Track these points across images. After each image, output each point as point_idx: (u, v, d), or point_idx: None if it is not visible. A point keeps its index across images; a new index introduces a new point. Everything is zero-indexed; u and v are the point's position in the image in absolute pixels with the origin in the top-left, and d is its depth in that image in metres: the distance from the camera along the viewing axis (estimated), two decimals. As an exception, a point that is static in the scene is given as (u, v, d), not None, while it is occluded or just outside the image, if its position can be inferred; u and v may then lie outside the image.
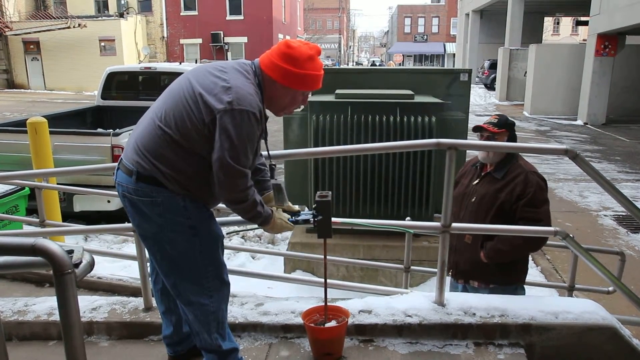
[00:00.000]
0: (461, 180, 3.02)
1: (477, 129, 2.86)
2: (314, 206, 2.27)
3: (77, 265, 1.43)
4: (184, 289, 2.13)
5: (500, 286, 2.89)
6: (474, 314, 2.55)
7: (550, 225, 2.75)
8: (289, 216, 2.27)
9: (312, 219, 2.26)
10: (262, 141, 2.14)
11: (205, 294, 2.14)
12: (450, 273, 2.96)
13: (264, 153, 2.34)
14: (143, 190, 1.99)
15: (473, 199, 2.84)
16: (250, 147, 1.93)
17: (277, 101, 2.06)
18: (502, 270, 2.85)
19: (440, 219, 2.54)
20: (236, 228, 5.73)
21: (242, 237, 6.06)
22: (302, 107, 2.16)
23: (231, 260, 5.51)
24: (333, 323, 2.38)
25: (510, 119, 2.92)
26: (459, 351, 2.44)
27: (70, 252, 1.46)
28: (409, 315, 2.56)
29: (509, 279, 2.93)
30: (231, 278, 3.95)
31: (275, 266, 5.34)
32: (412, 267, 3.43)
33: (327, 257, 2.47)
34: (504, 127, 2.82)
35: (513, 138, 2.87)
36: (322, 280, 2.60)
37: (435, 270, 2.67)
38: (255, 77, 2.01)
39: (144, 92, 8.41)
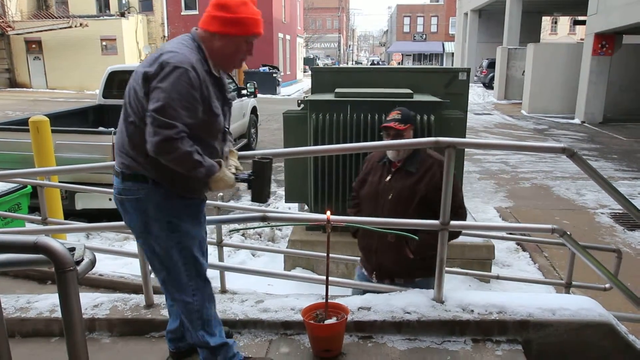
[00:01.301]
0: (368, 178, 2.90)
1: (384, 129, 2.77)
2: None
3: (78, 262, 1.43)
4: (170, 285, 2.19)
5: (425, 279, 2.88)
6: (472, 310, 2.55)
7: (465, 209, 2.83)
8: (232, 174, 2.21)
9: (248, 178, 2.22)
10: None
11: (188, 293, 2.17)
12: (373, 276, 2.86)
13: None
14: (130, 189, 2.07)
15: (390, 196, 2.75)
16: (184, 105, 1.91)
17: (220, 54, 2.05)
18: (424, 262, 2.81)
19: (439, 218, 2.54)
20: (237, 226, 5.76)
21: (243, 234, 6.06)
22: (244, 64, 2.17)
23: (231, 258, 5.52)
24: (333, 320, 2.38)
25: (411, 111, 2.83)
26: (457, 347, 2.44)
27: (72, 249, 1.46)
28: (407, 312, 2.56)
29: (432, 270, 2.89)
30: (232, 275, 3.98)
31: (275, 264, 5.35)
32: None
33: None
34: (409, 121, 2.75)
35: (416, 131, 2.85)
36: (322, 277, 2.60)
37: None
38: (194, 41, 2.05)
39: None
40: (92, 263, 1.51)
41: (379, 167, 2.86)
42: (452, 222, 2.53)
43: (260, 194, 2.26)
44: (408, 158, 2.78)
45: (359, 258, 3.07)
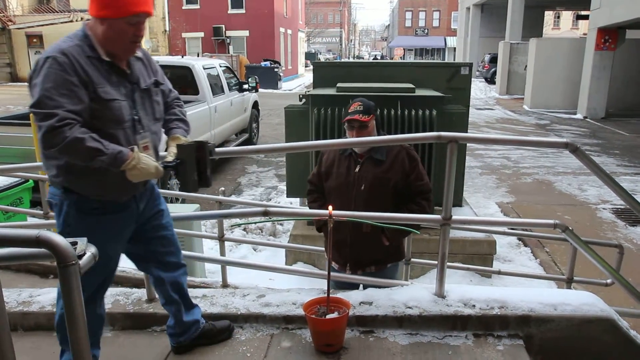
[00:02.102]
0: (332, 170, 2.84)
1: (348, 122, 2.73)
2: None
3: (80, 256, 1.43)
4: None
5: (394, 264, 2.93)
6: (474, 305, 2.55)
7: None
8: (158, 163, 2.04)
9: (173, 164, 2.09)
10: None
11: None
12: (347, 268, 2.84)
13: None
14: (52, 194, 2.06)
15: (362, 187, 2.73)
16: (61, 92, 1.83)
17: (104, 38, 1.94)
18: (396, 248, 2.86)
19: (440, 212, 2.54)
20: (238, 221, 5.76)
21: (244, 229, 6.07)
22: (139, 44, 2.02)
23: (233, 252, 5.53)
24: (334, 314, 2.38)
25: (370, 101, 2.80)
26: (458, 342, 2.45)
27: (74, 243, 1.46)
28: (409, 307, 2.57)
29: (401, 254, 2.96)
30: (233, 270, 3.99)
31: (277, 258, 5.35)
32: (412, 260, 3.43)
33: (328, 249, 2.46)
34: (371, 111, 2.73)
35: (378, 120, 2.82)
36: (323, 272, 2.61)
37: (435, 262, 2.67)
38: (82, 31, 1.97)
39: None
40: (95, 257, 1.51)
41: (344, 159, 2.82)
42: (455, 217, 2.53)
43: (187, 181, 2.13)
44: (374, 147, 2.76)
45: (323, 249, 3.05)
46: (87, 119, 1.89)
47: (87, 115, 1.89)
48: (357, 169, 2.77)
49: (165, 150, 2.18)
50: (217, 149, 2.39)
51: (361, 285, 3.01)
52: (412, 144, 4.98)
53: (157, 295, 2.83)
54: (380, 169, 2.74)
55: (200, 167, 2.16)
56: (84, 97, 1.87)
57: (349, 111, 2.75)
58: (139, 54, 2.14)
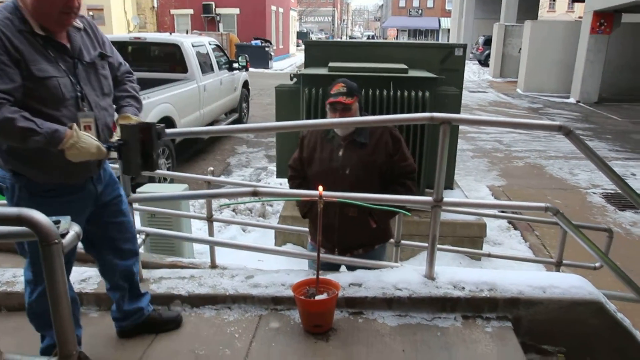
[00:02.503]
0: (315, 156, 2.81)
1: (331, 104, 2.70)
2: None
3: (63, 235, 1.42)
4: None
5: (382, 245, 2.95)
6: (463, 287, 2.57)
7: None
8: (100, 143, 1.94)
9: (116, 145, 1.99)
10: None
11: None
12: (336, 252, 2.84)
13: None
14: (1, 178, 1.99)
15: (347, 171, 2.71)
16: None
17: (35, 9, 1.82)
18: (383, 229, 2.88)
19: (431, 194, 2.54)
20: (227, 201, 5.74)
21: (233, 210, 6.05)
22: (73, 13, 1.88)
23: (222, 233, 5.52)
24: (323, 296, 2.39)
25: (353, 83, 2.77)
26: (447, 324, 2.47)
27: (57, 222, 1.44)
28: (398, 289, 2.58)
29: (388, 235, 2.98)
30: (222, 251, 3.98)
31: (266, 239, 5.36)
32: (402, 242, 3.44)
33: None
34: (354, 93, 2.71)
35: (361, 101, 2.80)
36: (313, 253, 2.60)
37: (426, 244, 2.68)
38: (11, 3, 1.85)
39: (133, 63, 8.24)
40: (78, 236, 1.49)
41: (326, 143, 2.79)
42: (446, 200, 2.54)
43: (128, 165, 2.02)
44: (356, 129, 2.74)
45: (308, 231, 3.05)
46: (23, 99, 1.78)
47: (22, 95, 1.78)
48: (340, 153, 2.74)
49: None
50: (207, 127, 2.35)
51: (343, 266, 3.03)
52: (403, 125, 5.02)
53: (144, 276, 2.83)
54: (364, 151, 2.72)
55: (145, 149, 2.04)
56: (14, 76, 1.76)
57: (332, 93, 2.71)
58: (78, 24, 2.00)
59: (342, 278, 2.68)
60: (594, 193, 7.27)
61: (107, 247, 2.26)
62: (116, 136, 2.04)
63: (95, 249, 2.27)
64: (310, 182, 2.84)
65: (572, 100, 16.47)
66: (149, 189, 4.53)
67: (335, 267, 2.98)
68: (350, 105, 2.67)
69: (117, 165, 2.25)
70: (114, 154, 2.02)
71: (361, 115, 2.80)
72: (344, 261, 2.87)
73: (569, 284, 2.56)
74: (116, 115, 2.15)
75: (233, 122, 10.25)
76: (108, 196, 2.19)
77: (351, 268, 2.90)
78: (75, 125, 1.88)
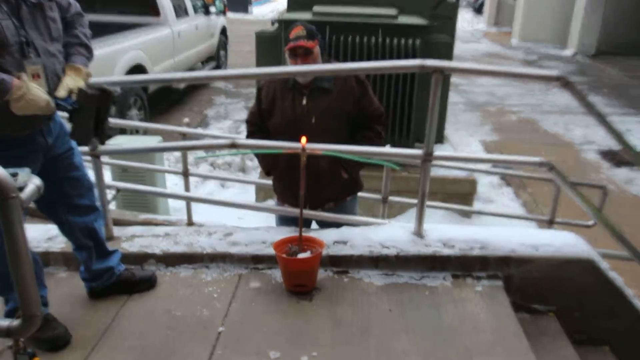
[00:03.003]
0: (276, 106, 2.74)
1: (291, 50, 2.61)
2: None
3: (22, 189, 1.35)
4: None
5: (353, 197, 2.96)
6: (453, 246, 2.57)
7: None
8: (50, 98, 1.85)
9: (69, 107, 1.92)
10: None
11: None
12: (307, 207, 2.78)
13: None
14: None
15: (313, 120, 2.67)
16: None
17: None
18: (353, 180, 2.88)
19: (421, 148, 2.50)
20: (203, 154, 5.67)
21: (211, 164, 5.99)
22: None
23: (199, 189, 5.48)
24: (307, 254, 2.37)
25: (312, 25, 2.68)
26: (436, 283, 2.48)
27: (15, 174, 1.37)
28: (385, 247, 2.57)
29: (359, 185, 2.97)
30: (199, 207, 3.94)
31: (246, 195, 5.34)
32: (390, 198, 3.44)
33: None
34: (315, 36, 2.63)
35: (322, 45, 2.73)
36: (296, 210, 2.58)
37: (415, 201, 2.67)
38: None
39: (100, 6, 7.94)
40: (39, 189, 1.43)
41: (287, 92, 2.72)
42: (436, 154, 2.51)
43: (79, 132, 1.97)
44: (319, 75, 2.68)
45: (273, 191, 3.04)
46: None
47: None
48: (304, 101, 2.68)
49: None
50: (181, 73, 2.27)
51: (314, 223, 3.03)
52: (392, 74, 4.94)
53: (115, 234, 2.78)
54: (329, 98, 2.68)
55: (99, 116, 1.98)
56: None
57: (290, 37, 2.61)
58: None
59: (327, 235, 2.66)
60: (589, 149, 7.32)
61: (62, 205, 2.17)
62: (62, 91, 1.92)
63: (49, 207, 2.18)
64: (272, 135, 2.78)
65: (568, 52, 16.39)
66: (120, 141, 4.44)
67: (306, 224, 2.98)
68: (312, 48, 2.60)
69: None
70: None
71: (327, 60, 2.75)
72: (320, 217, 2.85)
73: (562, 242, 2.58)
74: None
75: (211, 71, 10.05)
76: (59, 149, 2.09)
77: (325, 224, 2.90)
78: (24, 75, 1.78)
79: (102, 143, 2.11)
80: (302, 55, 2.60)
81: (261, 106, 2.80)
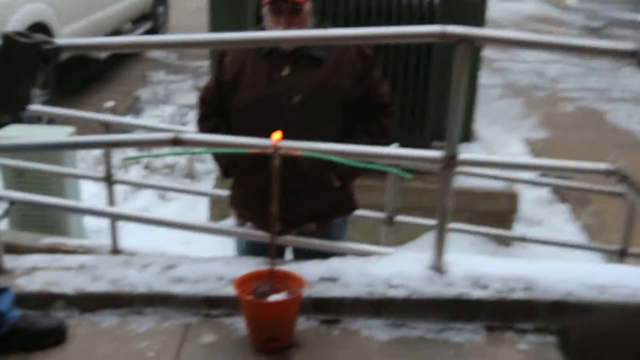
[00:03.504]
0: (243, 77, 2.73)
1: (273, 4, 2.63)
2: None
3: None
4: None
5: (343, 218, 2.99)
6: (486, 285, 2.59)
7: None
8: None
9: None
10: None
11: None
12: (280, 229, 2.66)
13: None
14: None
15: (296, 99, 2.67)
16: None
17: None
18: (345, 193, 2.90)
19: (441, 149, 2.53)
20: (134, 153, 5.65)
21: (146, 167, 5.98)
22: None
23: (128, 202, 5.46)
24: (281, 295, 2.38)
25: None
26: (462, 338, 2.50)
27: None
28: (392, 286, 2.59)
29: (353, 203, 3.00)
30: (129, 228, 3.92)
31: (195, 212, 5.33)
32: (397, 218, 3.45)
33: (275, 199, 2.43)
34: None
35: (314, 5, 2.77)
36: (267, 233, 2.58)
37: (432, 222, 2.69)
38: None
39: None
40: None
41: (262, 60, 2.72)
42: (460, 157, 2.54)
43: (8, 99, 2.02)
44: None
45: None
46: None
47: None
48: (285, 72, 2.68)
49: None
50: (104, 39, 2.27)
51: (289, 251, 3.04)
52: (402, 44, 4.97)
53: (6, 266, 2.77)
54: (322, 71, 2.69)
55: (24, 76, 2.03)
56: None
57: None
58: None
59: (310, 270, 2.67)
60: (674, 152, 7.43)
61: None
62: None
63: None
64: (235, 120, 2.79)
65: (647, 16, 16.65)
66: (14, 133, 4.40)
67: (279, 252, 2.99)
68: (301, 5, 2.63)
69: None
70: None
71: (313, 23, 2.76)
72: (298, 243, 2.86)
73: (639, 282, 2.61)
74: None
75: (145, 34, 10.02)
76: None
77: (304, 253, 2.91)
78: None
79: (12, 117, 2.11)
80: (288, 12, 2.61)
81: (222, 78, 2.80)
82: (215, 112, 2.86)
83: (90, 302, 2.63)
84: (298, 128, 2.56)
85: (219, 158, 2.89)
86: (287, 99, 2.67)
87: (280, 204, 2.55)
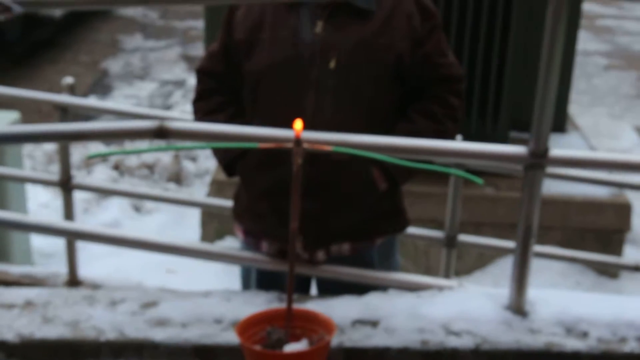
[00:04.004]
0: (262, 35, 2.78)
1: None
2: None
3: None
4: None
5: (391, 236, 3.01)
6: (586, 333, 2.58)
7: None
8: None
9: None
10: None
11: None
12: (300, 247, 2.78)
13: None
14: None
15: (331, 63, 2.69)
16: None
17: None
18: (392, 198, 2.92)
19: (524, 142, 2.53)
20: (101, 148, 5.69)
21: (116, 167, 6.02)
22: None
23: (92, 215, 5.50)
24: (301, 345, 2.38)
25: None
26: (551, 406, 2.49)
27: None
28: (453, 333, 2.59)
29: (402, 215, 3.01)
30: (93, 251, 3.94)
31: (182, 229, 5.36)
32: (460, 237, 3.45)
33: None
34: None
35: None
36: (277, 255, 2.59)
37: (509, 244, 2.68)
38: None
39: None
40: None
41: (287, 14, 2.75)
42: (552, 154, 2.53)
43: None
44: None
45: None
46: None
47: None
48: (318, 29, 2.71)
49: None
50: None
51: (314, 284, 3.09)
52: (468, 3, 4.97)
53: None
54: (366, 27, 2.72)
55: None
56: None
57: None
58: None
59: (340, 308, 2.68)
60: None
61: None
62: None
63: None
64: (246, 98, 2.84)
65: None
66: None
67: (302, 283, 3.02)
68: None
69: None
70: None
71: None
72: (326, 272, 2.87)
73: None
74: None
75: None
76: None
77: (329, 285, 2.94)
78: None
79: None
80: None
81: (232, 38, 2.83)
82: (221, 87, 2.90)
83: (39, 353, 2.66)
84: (332, 103, 2.61)
85: (219, 153, 2.91)
86: (319, 63, 2.69)
87: (300, 213, 2.56)
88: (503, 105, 5.12)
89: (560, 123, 5.71)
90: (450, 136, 2.80)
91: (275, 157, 2.63)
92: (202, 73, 2.94)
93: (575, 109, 6.42)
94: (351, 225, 2.85)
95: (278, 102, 2.66)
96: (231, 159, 2.88)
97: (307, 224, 2.65)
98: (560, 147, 2.62)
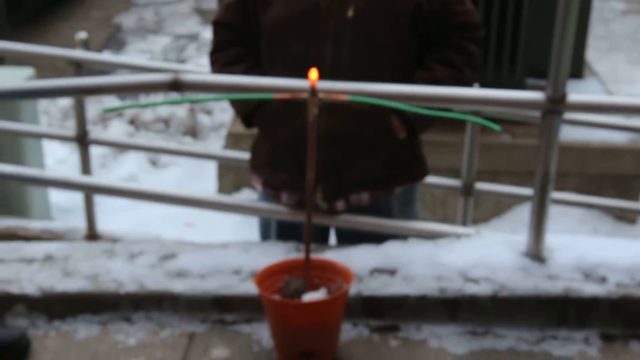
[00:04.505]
0: None
1: None
2: None
3: None
4: None
5: (410, 185, 3.02)
6: (604, 278, 2.58)
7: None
8: None
9: None
10: None
11: None
12: (318, 197, 2.82)
13: None
14: None
15: (350, 12, 2.69)
16: None
17: None
18: (411, 146, 2.91)
19: (541, 88, 2.51)
20: (116, 103, 5.67)
21: (132, 122, 6.02)
22: None
23: (109, 169, 5.50)
24: (319, 294, 2.39)
25: None
26: (569, 351, 2.48)
27: None
28: (471, 280, 2.59)
29: (421, 163, 3.01)
30: (110, 205, 3.95)
31: (200, 181, 5.36)
32: (478, 185, 3.44)
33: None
34: None
35: None
36: (297, 206, 2.59)
37: (527, 192, 2.67)
38: None
39: None
40: None
41: None
42: (570, 100, 2.51)
43: None
44: None
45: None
46: None
47: None
48: None
49: None
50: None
51: (333, 233, 3.08)
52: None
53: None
54: None
55: None
56: None
57: None
58: None
59: (358, 257, 2.69)
60: None
61: None
62: None
63: None
64: (263, 50, 2.83)
65: None
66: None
67: (322, 233, 3.03)
68: None
69: None
70: None
71: None
72: (344, 221, 2.87)
73: None
74: None
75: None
76: None
77: (347, 235, 2.94)
78: None
79: None
80: None
81: None
82: (238, 38, 2.89)
83: (60, 306, 2.67)
84: (350, 53, 2.60)
85: (237, 104, 2.92)
86: (337, 13, 2.68)
87: (324, 161, 2.57)
88: (520, 52, 5.10)
89: (578, 69, 5.68)
90: (469, 84, 2.80)
91: (294, 107, 2.60)
92: (219, 24, 2.93)
93: (592, 54, 6.37)
94: (370, 175, 2.86)
95: (296, 54, 2.66)
96: (250, 110, 2.87)
97: (327, 174, 2.67)
98: (577, 93, 2.59)
